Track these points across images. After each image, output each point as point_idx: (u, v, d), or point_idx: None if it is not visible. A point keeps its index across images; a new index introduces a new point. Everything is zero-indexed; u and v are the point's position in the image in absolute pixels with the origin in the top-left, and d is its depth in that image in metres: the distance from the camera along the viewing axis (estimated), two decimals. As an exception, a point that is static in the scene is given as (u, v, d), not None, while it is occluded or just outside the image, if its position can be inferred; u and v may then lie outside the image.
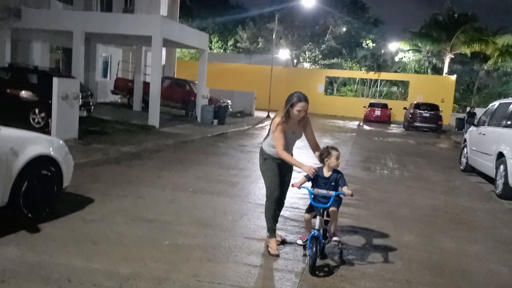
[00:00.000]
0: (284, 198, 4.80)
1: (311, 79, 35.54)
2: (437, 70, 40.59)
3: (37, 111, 11.42)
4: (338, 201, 4.33)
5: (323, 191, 4.17)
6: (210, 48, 44.82)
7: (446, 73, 36.26)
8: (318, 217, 4.15)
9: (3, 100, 11.50)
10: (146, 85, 18.07)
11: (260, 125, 21.25)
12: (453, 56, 37.01)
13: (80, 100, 11.06)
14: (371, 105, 30.81)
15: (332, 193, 4.13)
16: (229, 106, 21.51)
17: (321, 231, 4.19)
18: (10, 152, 4.25)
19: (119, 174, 7.68)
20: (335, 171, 4.31)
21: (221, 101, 21.05)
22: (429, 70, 42.96)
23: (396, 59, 41.70)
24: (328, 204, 4.13)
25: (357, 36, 39.99)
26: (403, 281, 4.09)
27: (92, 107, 13.58)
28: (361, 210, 6.60)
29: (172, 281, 3.69)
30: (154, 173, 8.03)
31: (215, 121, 18.45)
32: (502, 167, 8.09)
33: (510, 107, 8.90)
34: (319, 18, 36.02)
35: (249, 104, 26.57)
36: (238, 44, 41.68)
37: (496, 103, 10.11)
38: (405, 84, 38.44)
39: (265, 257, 4.43)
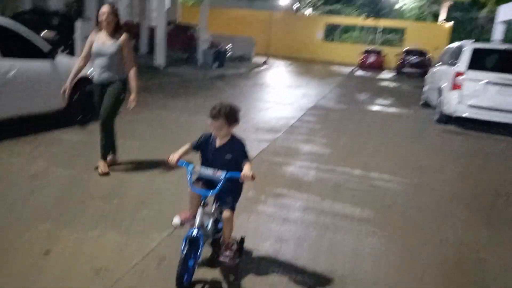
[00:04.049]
0: (101, 117, 4.74)
1: (310, 26, 36.75)
2: (437, 17, 41.48)
3: (59, 50, 13.35)
4: (233, 191, 2.91)
5: (209, 171, 2.78)
6: (214, -7, 45.57)
7: (443, 20, 37.29)
8: (200, 209, 2.78)
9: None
10: (152, 30, 19.79)
11: (258, 69, 23.08)
12: (451, 3, 37.83)
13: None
14: (366, 51, 32.25)
15: (222, 174, 2.73)
16: (229, 51, 23.25)
17: (208, 229, 2.92)
18: (68, 71, 6.30)
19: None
20: (233, 139, 2.90)
21: (221, 45, 22.74)
22: (429, 17, 43.82)
23: (397, 6, 42.45)
24: (215, 191, 2.73)
25: (358, -18, 40.64)
26: (325, 159, 6.28)
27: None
28: (317, 125, 8.77)
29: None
30: (162, 100, 10.14)
31: (215, 64, 20.29)
32: (440, 98, 10.10)
33: (453, 49, 10.78)
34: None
35: (249, 49, 28.11)
36: (241, -10, 42.44)
37: (448, 46, 11.96)
38: (402, 31, 39.48)
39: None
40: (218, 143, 2.88)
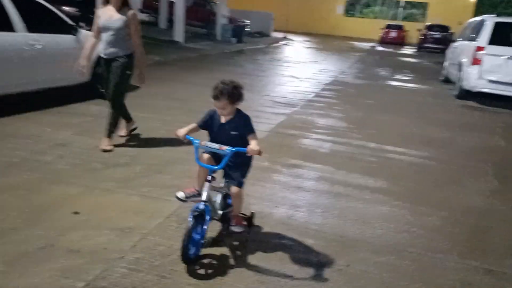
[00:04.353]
0: (109, 95, 4.73)
1: (330, 0, 36.13)
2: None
3: (82, 25, 13.57)
4: (240, 167, 2.90)
5: (214, 146, 2.75)
6: (232, -32, 45.00)
7: (467, -5, 36.18)
8: (206, 184, 2.77)
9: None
10: (171, 5, 19.82)
11: (276, 44, 22.95)
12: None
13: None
14: (388, 26, 31.72)
15: (227, 149, 2.70)
16: (247, 26, 23.17)
17: (217, 204, 2.98)
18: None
19: (155, 74, 9.95)
20: (238, 114, 2.85)
21: (240, 21, 22.67)
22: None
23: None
24: (220, 166, 2.75)
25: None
26: (341, 132, 6.38)
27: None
28: (335, 99, 8.82)
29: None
30: (181, 75, 10.31)
31: (234, 40, 20.29)
32: (460, 73, 10.00)
33: (474, 24, 10.60)
34: None
35: (267, 25, 27.91)
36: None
37: (469, 21, 11.74)
38: (425, 6, 38.55)
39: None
40: (224, 119, 2.84)
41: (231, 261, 2.89)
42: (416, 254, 3.16)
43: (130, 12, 4.55)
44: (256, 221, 3.38)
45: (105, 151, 4.68)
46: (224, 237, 3.12)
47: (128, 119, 5.18)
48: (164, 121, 6.08)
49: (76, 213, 3.31)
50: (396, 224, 3.60)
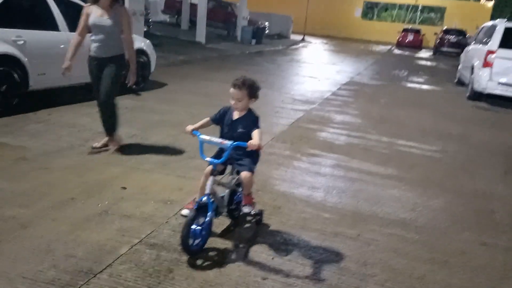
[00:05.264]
0: (102, 96, 4.52)
1: (348, 3, 36.45)
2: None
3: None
4: (249, 156, 3.05)
5: (217, 140, 2.92)
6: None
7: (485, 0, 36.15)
8: (211, 178, 2.93)
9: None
10: (193, 6, 20.45)
11: (295, 46, 23.41)
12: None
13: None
14: (405, 30, 31.92)
15: (227, 143, 2.83)
16: (266, 28, 23.70)
17: (224, 199, 3.15)
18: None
19: (180, 72, 10.54)
20: (249, 113, 3.05)
21: (260, 23, 23.20)
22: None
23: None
24: (222, 160, 2.89)
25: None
26: (356, 127, 6.82)
27: (151, 24, 16.28)
28: (351, 98, 9.27)
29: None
30: (205, 73, 10.85)
31: (253, 41, 20.81)
32: (472, 76, 10.35)
33: (487, 28, 10.93)
34: None
35: (286, 27, 28.40)
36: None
37: (483, 25, 12.06)
38: (442, 10, 38.60)
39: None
40: (235, 116, 3.02)
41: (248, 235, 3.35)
42: (420, 228, 3.61)
43: (121, 8, 4.45)
44: (279, 199, 3.87)
45: (117, 150, 4.69)
46: (232, 231, 3.27)
47: (111, 132, 4.77)
48: (192, 114, 6.59)
49: (123, 188, 3.84)
50: (404, 204, 4.05)
